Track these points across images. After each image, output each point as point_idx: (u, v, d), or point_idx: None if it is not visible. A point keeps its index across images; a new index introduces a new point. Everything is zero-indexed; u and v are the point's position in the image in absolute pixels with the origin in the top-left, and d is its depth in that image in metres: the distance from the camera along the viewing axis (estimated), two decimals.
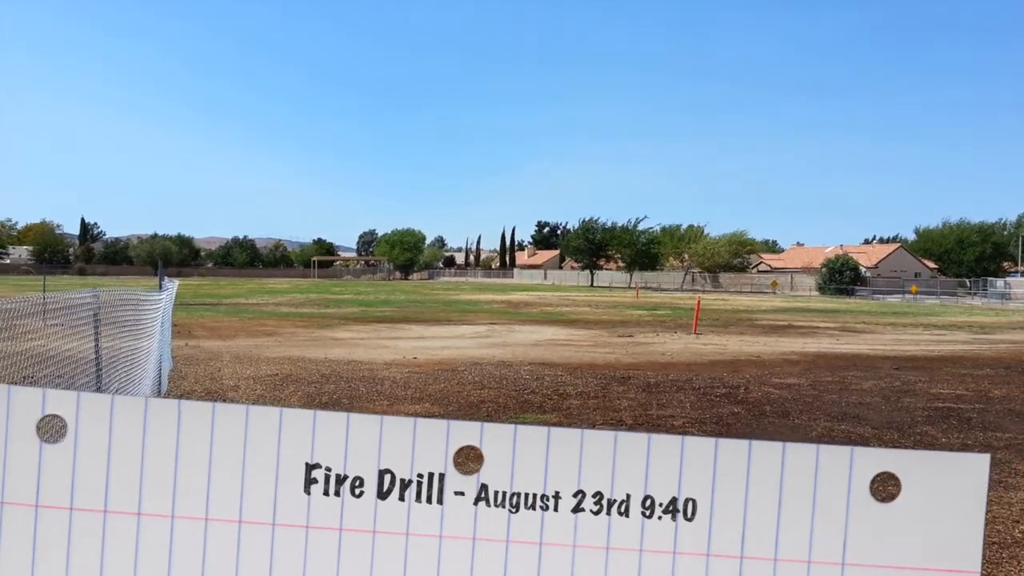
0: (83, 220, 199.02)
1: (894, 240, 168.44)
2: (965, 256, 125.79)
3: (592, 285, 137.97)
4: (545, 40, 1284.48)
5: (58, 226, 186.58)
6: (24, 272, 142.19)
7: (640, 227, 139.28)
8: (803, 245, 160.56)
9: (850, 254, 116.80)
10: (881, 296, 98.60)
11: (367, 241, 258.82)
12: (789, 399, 17.53)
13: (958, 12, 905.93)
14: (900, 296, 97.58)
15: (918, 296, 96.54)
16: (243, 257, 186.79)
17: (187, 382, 18.34)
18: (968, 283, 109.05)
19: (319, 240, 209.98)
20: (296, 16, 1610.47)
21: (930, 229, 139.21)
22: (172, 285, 22.20)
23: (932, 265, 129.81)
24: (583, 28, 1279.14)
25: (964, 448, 13.01)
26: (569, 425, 14.23)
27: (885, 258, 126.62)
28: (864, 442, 13.29)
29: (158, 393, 15.95)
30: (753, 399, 17.46)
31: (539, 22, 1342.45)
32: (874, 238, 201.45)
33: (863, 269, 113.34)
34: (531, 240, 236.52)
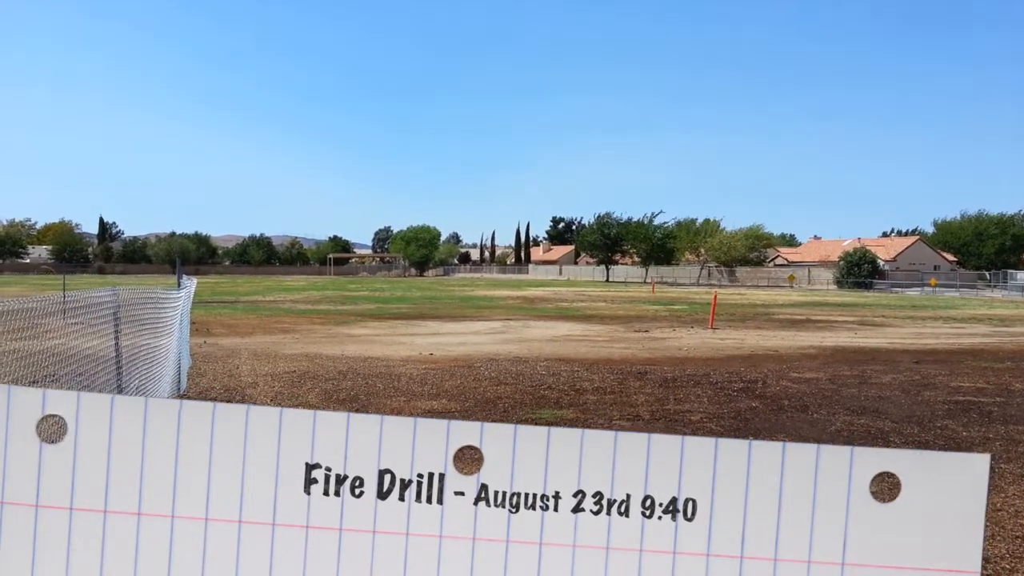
0: (101, 219, 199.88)
1: (913, 233, 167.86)
2: (984, 248, 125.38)
3: (607, 280, 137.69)
4: (559, 33, 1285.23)
5: (76, 225, 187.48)
6: (44, 271, 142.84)
7: (656, 222, 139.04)
8: (820, 239, 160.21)
9: (868, 247, 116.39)
10: (900, 289, 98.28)
11: (382, 238, 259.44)
12: (808, 393, 17.45)
13: (973, 2, 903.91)
14: (919, 289, 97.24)
15: (937, 289, 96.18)
16: (260, 255, 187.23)
17: (206, 379, 18.42)
18: (988, 276, 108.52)
19: (335, 237, 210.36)
20: (312, 12, 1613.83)
21: (949, 221, 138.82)
22: (191, 283, 22.31)
23: (951, 258, 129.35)
24: (597, 20, 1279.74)
25: (985, 441, 13.02)
26: (586, 420, 14.30)
27: (904, 251, 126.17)
28: (884, 436, 13.27)
29: (177, 390, 16.13)
30: (771, 393, 17.40)
31: (554, 15, 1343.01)
32: (892, 231, 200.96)
33: (881, 262, 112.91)
34: (546, 236, 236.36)
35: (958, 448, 12.47)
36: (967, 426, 14.26)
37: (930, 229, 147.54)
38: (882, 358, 24.48)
